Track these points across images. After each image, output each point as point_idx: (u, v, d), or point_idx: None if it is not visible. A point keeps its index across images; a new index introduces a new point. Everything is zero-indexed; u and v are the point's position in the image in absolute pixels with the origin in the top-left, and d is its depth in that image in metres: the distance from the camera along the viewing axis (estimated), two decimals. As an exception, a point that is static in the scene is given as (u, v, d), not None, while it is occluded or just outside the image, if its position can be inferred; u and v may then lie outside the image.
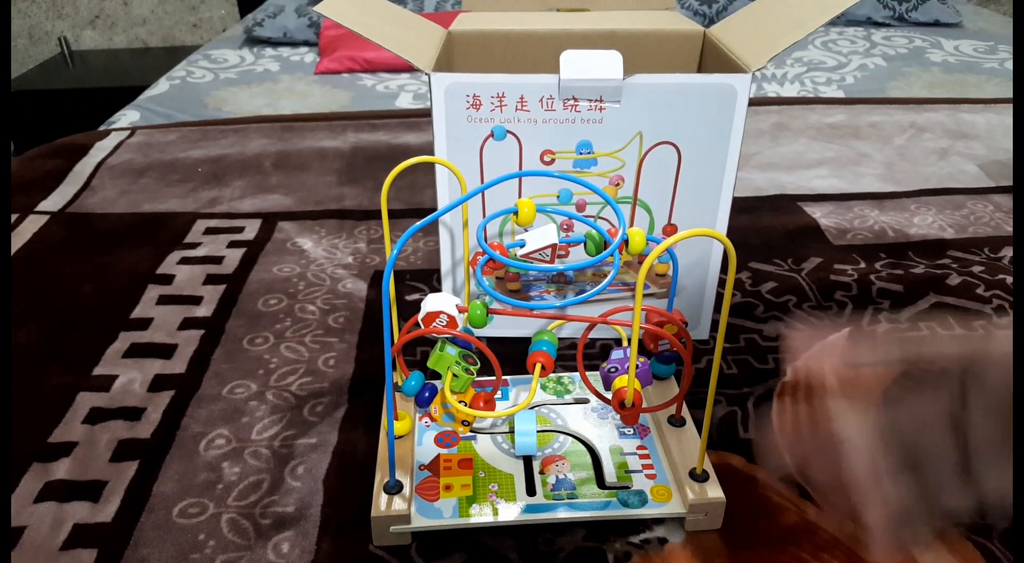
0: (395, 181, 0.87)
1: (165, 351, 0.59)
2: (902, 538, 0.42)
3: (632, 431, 0.47)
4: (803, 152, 0.95)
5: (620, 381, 0.41)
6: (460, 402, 0.43)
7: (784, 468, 0.47)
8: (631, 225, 0.54)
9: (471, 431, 0.47)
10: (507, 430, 0.48)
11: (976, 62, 1.48)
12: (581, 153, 0.51)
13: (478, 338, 0.42)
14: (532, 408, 0.49)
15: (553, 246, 0.42)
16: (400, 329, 0.50)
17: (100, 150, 0.99)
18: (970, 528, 0.42)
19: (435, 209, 0.52)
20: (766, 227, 0.76)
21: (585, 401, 0.50)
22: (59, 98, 2.26)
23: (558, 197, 0.52)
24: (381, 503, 0.41)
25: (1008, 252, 0.71)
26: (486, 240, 0.42)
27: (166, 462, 0.48)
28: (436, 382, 0.45)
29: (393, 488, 0.42)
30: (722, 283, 0.59)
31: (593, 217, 0.53)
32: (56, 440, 0.50)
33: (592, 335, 0.59)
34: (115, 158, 0.96)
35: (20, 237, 0.76)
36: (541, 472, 0.44)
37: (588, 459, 0.45)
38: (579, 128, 0.50)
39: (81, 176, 0.91)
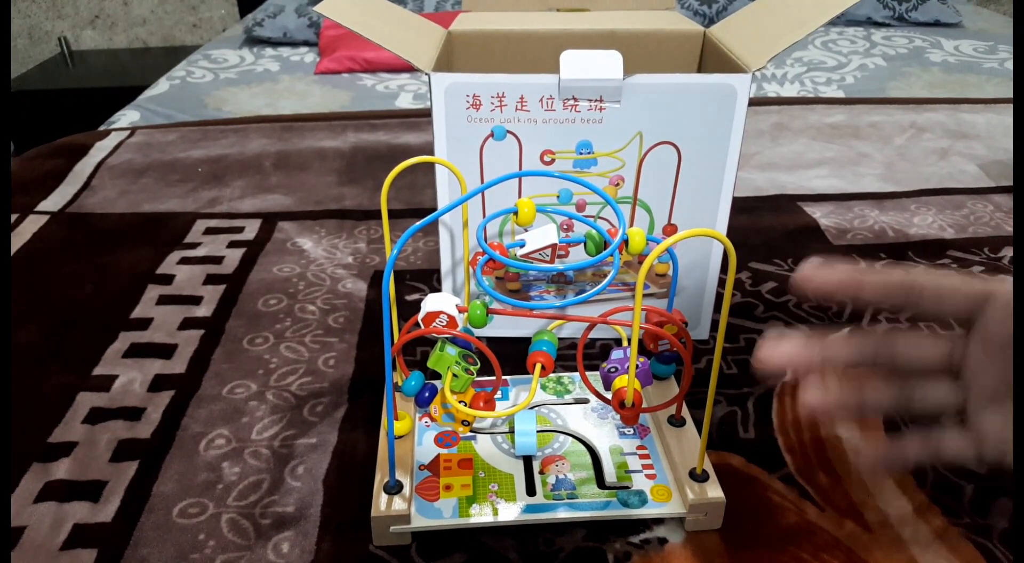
0: (395, 181, 0.87)
1: (165, 351, 0.59)
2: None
3: (632, 431, 0.47)
4: (803, 152, 0.95)
5: (620, 381, 0.41)
6: (460, 402, 0.43)
7: (784, 468, 0.47)
8: (631, 225, 0.54)
9: (471, 431, 0.47)
10: (507, 430, 0.48)
11: (976, 62, 1.48)
12: (581, 153, 0.51)
13: (478, 338, 0.42)
14: (532, 408, 0.49)
15: (553, 246, 0.42)
16: (400, 329, 0.50)
17: (100, 150, 0.99)
18: (970, 528, 0.43)
19: (435, 209, 0.52)
20: (766, 227, 0.76)
21: (585, 401, 0.50)
22: (59, 98, 2.26)
23: (558, 197, 0.52)
24: (381, 503, 0.41)
25: (1008, 252, 0.71)
26: (486, 240, 0.42)
27: (166, 462, 0.48)
28: (436, 382, 0.45)
29: (393, 488, 0.42)
30: (722, 283, 0.59)
31: (593, 217, 0.53)
32: (56, 440, 0.50)
33: (592, 335, 0.59)
34: (115, 158, 0.96)
35: (20, 237, 0.76)
36: (541, 472, 0.44)
37: (588, 459, 0.45)
38: (579, 128, 0.50)
39: (81, 176, 0.91)
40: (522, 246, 0.42)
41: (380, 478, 0.42)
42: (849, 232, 0.75)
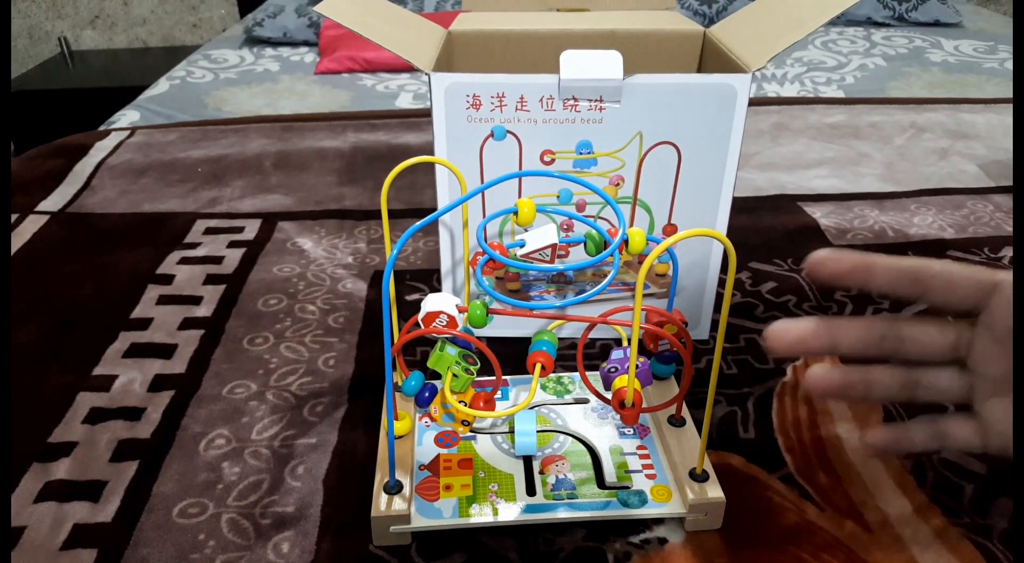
0: (395, 181, 0.87)
1: (165, 351, 0.59)
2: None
3: (632, 431, 0.47)
4: (803, 152, 0.95)
5: (620, 381, 0.41)
6: (460, 402, 0.43)
7: (784, 468, 0.47)
8: (631, 225, 0.54)
9: (471, 431, 0.47)
10: (507, 430, 0.48)
11: (976, 62, 1.48)
12: (581, 153, 0.51)
13: (478, 338, 0.42)
14: (532, 408, 0.49)
15: (553, 246, 0.42)
16: (400, 329, 0.50)
17: (100, 150, 0.99)
18: (970, 528, 0.43)
19: (435, 209, 0.52)
20: (766, 227, 0.76)
21: (585, 401, 0.50)
22: (59, 98, 2.26)
23: (558, 197, 0.52)
24: (381, 503, 0.41)
25: (1008, 252, 0.71)
26: (486, 240, 0.42)
27: (166, 462, 0.48)
28: (436, 382, 0.45)
29: (393, 488, 0.42)
30: (722, 283, 0.59)
31: (593, 217, 0.53)
32: (56, 440, 0.50)
33: (592, 335, 0.59)
34: (115, 158, 0.96)
35: (20, 237, 0.76)
36: (541, 472, 0.44)
37: (588, 459, 0.45)
38: (579, 128, 0.50)
39: (81, 176, 0.91)
40: (522, 246, 0.42)
41: (380, 478, 0.42)
42: (849, 232, 0.75)
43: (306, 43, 1.72)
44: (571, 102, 0.49)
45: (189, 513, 0.44)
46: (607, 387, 0.43)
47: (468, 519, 0.41)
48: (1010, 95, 1.27)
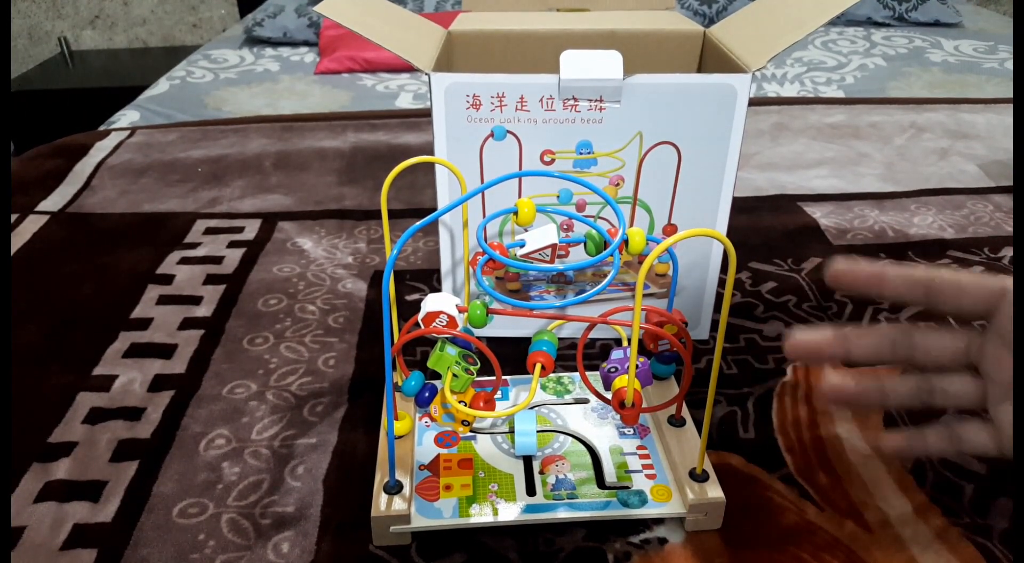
0: (395, 181, 0.87)
1: (165, 351, 0.59)
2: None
3: (632, 431, 0.47)
4: (803, 152, 0.95)
5: (620, 381, 0.41)
6: (460, 402, 0.43)
7: (784, 468, 0.47)
8: (631, 225, 0.54)
9: (471, 431, 0.47)
10: (507, 430, 0.48)
11: (976, 62, 1.48)
12: (581, 153, 0.51)
13: (478, 338, 0.42)
14: (532, 408, 0.49)
15: (553, 246, 0.42)
16: (400, 329, 0.50)
17: (100, 150, 0.99)
18: (970, 528, 0.43)
19: (435, 209, 0.52)
20: (766, 227, 0.76)
21: (585, 401, 0.50)
22: (59, 98, 2.26)
23: (558, 197, 0.52)
24: (381, 503, 0.41)
25: (1008, 252, 0.71)
26: (486, 240, 0.42)
27: (166, 462, 0.48)
28: (436, 382, 0.45)
29: (393, 488, 0.42)
30: (722, 283, 0.59)
31: (593, 217, 0.53)
32: (56, 440, 0.50)
33: (592, 335, 0.59)
34: (115, 158, 0.96)
35: (20, 237, 0.76)
36: (541, 472, 0.44)
37: (588, 459, 0.45)
38: (579, 128, 0.50)
39: (81, 176, 0.91)
40: (522, 246, 0.42)
41: (380, 478, 0.42)
42: (849, 232, 0.75)
43: (306, 43, 1.72)
44: (571, 102, 0.49)
45: (189, 513, 0.44)
46: (607, 387, 0.43)
47: (468, 519, 0.41)
48: (1010, 95, 1.27)
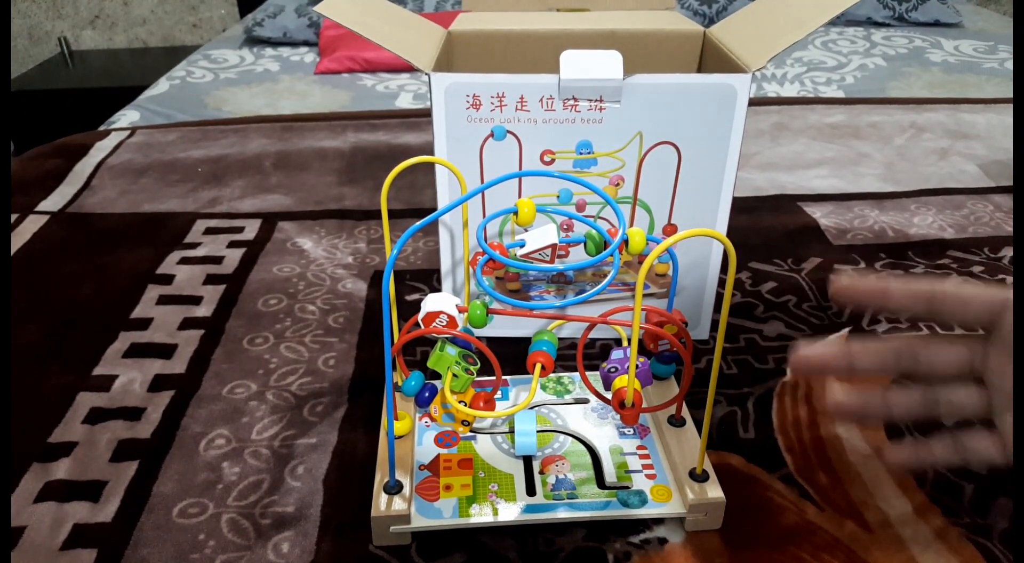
0: (395, 181, 0.87)
1: (165, 351, 0.59)
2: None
3: (632, 431, 0.47)
4: (803, 152, 0.95)
5: (620, 381, 0.41)
6: (460, 402, 0.43)
7: (784, 468, 0.47)
8: (631, 225, 0.54)
9: (471, 431, 0.47)
10: (507, 430, 0.48)
11: (976, 62, 1.48)
12: (581, 153, 0.51)
13: (478, 338, 0.42)
14: (532, 408, 0.49)
15: (553, 246, 0.42)
16: (400, 329, 0.50)
17: (100, 150, 0.99)
18: (970, 528, 0.43)
19: (435, 209, 0.52)
20: (766, 227, 0.76)
21: (585, 401, 0.50)
22: (59, 98, 2.26)
23: (558, 197, 0.52)
24: (381, 503, 0.41)
25: (1008, 252, 0.71)
26: (486, 240, 0.42)
27: (166, 462, 0.48)
28: (436, 382, 0.45)
29: (393, 488, 0.42)
30: (722, 283, 0.59)
31: (593, 217, 0.53)
32: (56, 440, 0.50)
33: (592, 335, 0.59)
34: (115, 158, 0.96)
35: (20, 237, 0.76)
36: (541, 472, 0.44)
37: (588, 459, 0.45)
38: (579, 128, 0.50)
39: (81, 176, 0.91)
40: (522, 246, 0.42)
41: (380, 478, 0.42)
42: (849, 232, 0.75)
43: (306, 43, 1.72)
44: (571, 102, 0.49)
45: (189, 513, 0.44)
46: (607, 387, 0.43)
47: (468, 519, 0.41)
48: (1010, 95, 1.27)
